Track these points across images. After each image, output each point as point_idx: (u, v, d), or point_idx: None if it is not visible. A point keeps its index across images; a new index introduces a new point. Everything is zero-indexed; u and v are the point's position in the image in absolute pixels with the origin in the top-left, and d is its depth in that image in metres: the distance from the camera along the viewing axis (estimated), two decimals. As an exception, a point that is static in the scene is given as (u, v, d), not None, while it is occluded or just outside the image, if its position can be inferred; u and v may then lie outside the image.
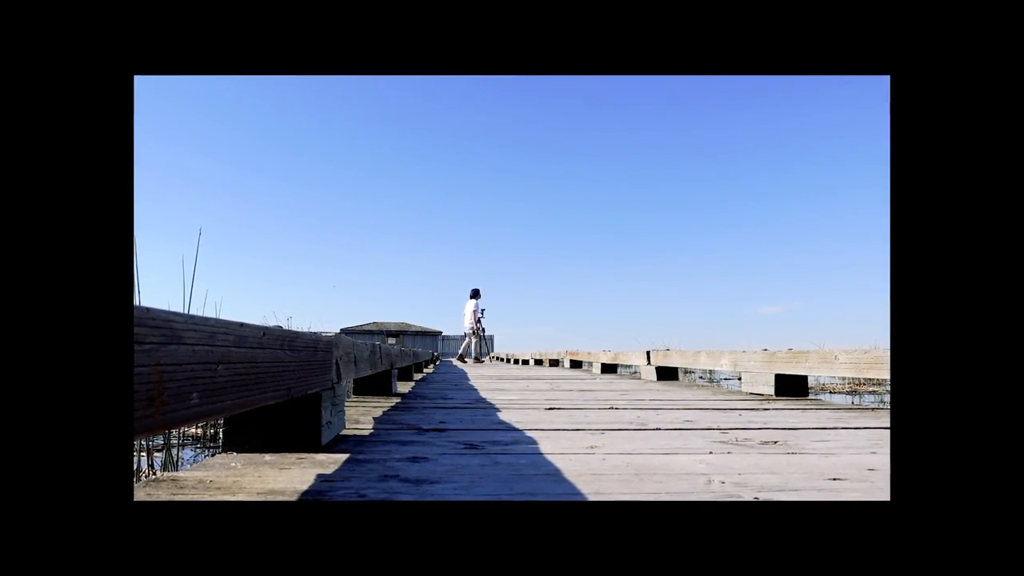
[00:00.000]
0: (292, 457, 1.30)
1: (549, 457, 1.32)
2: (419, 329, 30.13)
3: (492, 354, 14.48)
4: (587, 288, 45.00)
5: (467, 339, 11.29)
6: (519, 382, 4.53)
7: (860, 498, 0.97)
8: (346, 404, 2.43)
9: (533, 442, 1.54)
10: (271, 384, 1.00)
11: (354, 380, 3.02)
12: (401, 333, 29.13)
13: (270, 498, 0.96)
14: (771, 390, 3.16)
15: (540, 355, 10.91)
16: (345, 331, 26.39)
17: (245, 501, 0.94)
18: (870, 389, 7.16)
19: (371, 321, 30.31)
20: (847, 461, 1.30)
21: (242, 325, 0.87)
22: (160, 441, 2.52)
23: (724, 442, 1.57)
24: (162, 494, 0.98)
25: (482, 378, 5.11)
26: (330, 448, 1.42)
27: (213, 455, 1.39)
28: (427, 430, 1.77)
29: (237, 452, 1.35)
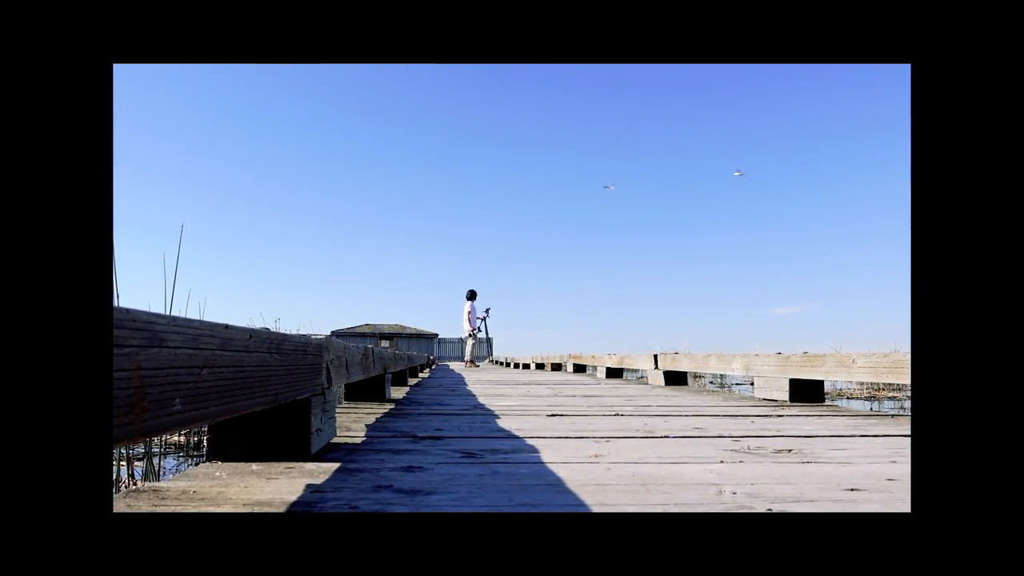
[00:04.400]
0: (280, 466, 1.30)
1: (551, 466, 1.32)
2: (414, 331, 30.14)
3: (490, 358, 14.48)
4: (591, 289, 44.95)
5: (468, 342, 11.44)
6: (519, 387, 4.53)
7: (879, 509, 0.97)
8: (337, 410, 2.43)
9: (534, 451, 1.54)
10: (258, 389, 1.00)
11: (346, 385, 3.02)
12: (395, 336, 29.14)
13: (257, 509, 0.96)
14: (785, 396, 3.16)
15: (542, 359, 10.92)
16: (336, 333, 26.39)
17: (230, 513, 0.94)
18: (890, 395, 7.16)
19: (364, 323, 30.30)
20: (865, 470, 1.30)
21: (227, 327, 0.87)
22: (141, 450, 2.52)
23: (736, 450, 1.57)
24: (143, 505, 0.98)
25: (480, 383, 5.11)
26: (320, 457, 1.43)
27: (196, 464, 1.39)
28: (422, 438, 1.77)
29: (222, 461, 1.35)
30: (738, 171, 25.63)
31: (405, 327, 30.51)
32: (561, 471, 1.27)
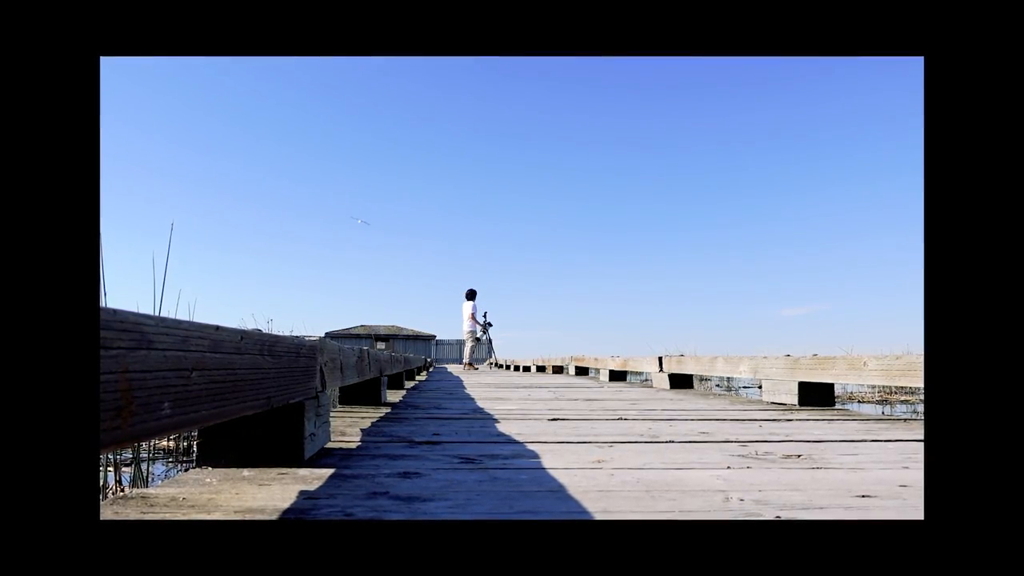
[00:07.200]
0: (272, 472, 1.30)
1: (552, 472, 1.33)
2: (411, 333, 30.17)
3: (490, 360, 14.49)
4: (594, 290, 44.97)
5: (467, 344, 11.42)
6: (520, 390, 4.53)
7: (891, 517, 0.97)
8: (331, 414, 2.43)
9: (535, 456, 1.54)
10: (250, 393, 1.00)
11: (340, 388, 3.02)
12: (391, 337, 29.16)
13: (248, 517, 0.96)
14: (794, 399, 3.16)
15: (543, 361, 10.92)
16: (330, 335, 26.40)
17: (221, 520, 0.94)
18: (902, 398, 7.17)
19: (359, 324, 30.34)
20: (877, 476, 1.30)
21: (218, 328, 0.87)
22: (129, 455, 2.52)
23: (743, 456, 1.57)
24: (131, 512, 0.98)
25: (479, 386, 5.12)
26: (314, 462, 1.43)
27: (186, 470, 1.39)
28: (419, 443, 1.77)
29: (212, 467, 1.35)
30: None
31: (402, 328, 30.54)
32: (563, 477, 1.27)
